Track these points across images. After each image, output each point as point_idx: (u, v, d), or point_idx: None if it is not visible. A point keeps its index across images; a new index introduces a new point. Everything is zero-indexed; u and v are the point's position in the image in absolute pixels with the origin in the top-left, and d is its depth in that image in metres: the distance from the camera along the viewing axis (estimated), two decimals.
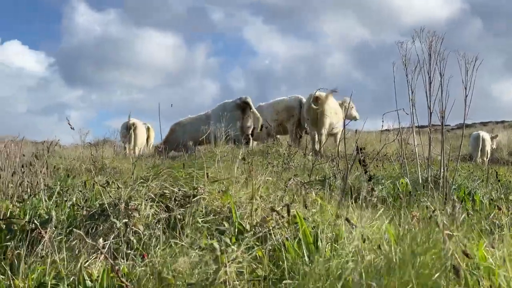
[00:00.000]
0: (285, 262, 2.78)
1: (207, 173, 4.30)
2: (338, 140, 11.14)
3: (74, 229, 3.35)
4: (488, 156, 14.04)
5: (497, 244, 2.74)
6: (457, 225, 2.48)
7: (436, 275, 2.07)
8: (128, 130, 13.72)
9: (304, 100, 12.32)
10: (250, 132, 11.06)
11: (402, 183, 5.60)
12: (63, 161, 9.73)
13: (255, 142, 11.80)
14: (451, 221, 2.58)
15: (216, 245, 2.33)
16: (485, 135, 14.72)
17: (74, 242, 3.34)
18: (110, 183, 4.21)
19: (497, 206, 3.92)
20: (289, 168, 6.83)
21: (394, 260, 2.19)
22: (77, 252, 3.18)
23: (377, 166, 7.53)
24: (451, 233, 2.26)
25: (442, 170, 5.38)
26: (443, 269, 2.07)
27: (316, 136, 11.73)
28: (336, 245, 2.94)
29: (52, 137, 8.83)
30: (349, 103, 12.32)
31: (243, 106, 11.13)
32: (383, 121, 7.71)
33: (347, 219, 2.82)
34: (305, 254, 2.85)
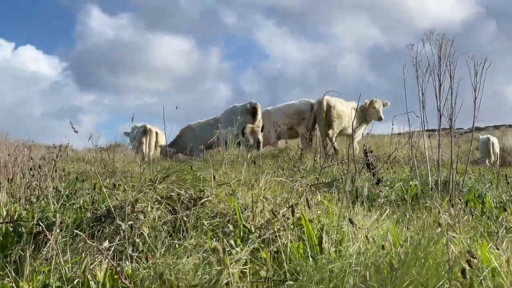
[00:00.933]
0: (288, 263, 2.77)
1: (214, 176, 4.30)
2: (352, 143, 11.06)
3: (76, 231, 3.36)
4: (498, 159, 14.08)
5: (504, 246, 2.72)
6: (460, 226, 2.45)
7: (439, 275, 2.06)
8: (143, 134, 13.85)
9: (315, 103, 12.35)
10: (260, 136, 11.06)
11: (411, 186, 5.58)
12: (75, 165, 9.81)
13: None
14: (455, 222, 2.55)
15: (218, 246, 2.33)
16: (493, 138, 14.93)
17: (80, 245, 3.35)
18: (117, 185, 4.22)
19: (503, 207, 3.88)
20: (299, 171, 6.82)
21: (395, 261, 2.17)
22: (82, 254, 3.19)
23: (387, 169, 7.50)
24: (453, 235, 2.24)
25: (451, 173, 5.34)
26: (446, 270, 2.05)
27: (327, 139, 11.75)
28: (340, 247, 2.93)
29: (65, 141, 8.88)
30: (369, 103, 12.28)
31: (252, 111, 11.16)
32: (393, 124, 7.71)
33: (350, 220, 2.80)
34: (309, 255, 2.84)
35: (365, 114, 12.25)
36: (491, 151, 14.68)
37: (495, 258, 2.41)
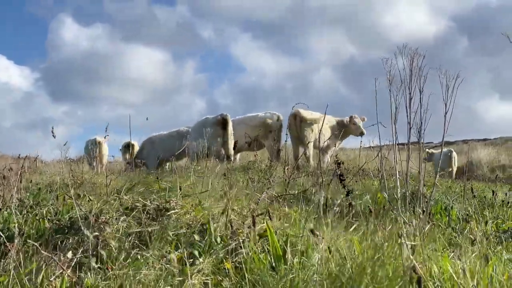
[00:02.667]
0: (250, 274, 2.75)
1: (180, 187, 4.27)
2: (319, 155, 11.08)
3: (31, 241, 3.29)
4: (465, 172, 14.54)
5: (467, 257, 2.75)
6: (421, 237, 2.47)
7: (397, 285, 2.06)
8: (96, 146, 13.90)
9: (281, 116, 12.29)
10: (232, 148, 10.97)
11: (379, 198, 5.61)
12: (43, 177, 9.64)
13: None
14: (417, 234, 2.57)
15: (174, 257, 2.30)
16: (454, 152, 15.81)
17: (41, 256, 3.29)
18: (82, 196, 4.16)
19: (465, 220, 3.93)
20: (269, 183, 6.81)
21: (351, 271, 2.17)
22: (42, 265, 3.12)
23: (356, 181, 7.53)
24: (412, 245, 2.24)
25: (419, 185, 5.39)
26: (402, 279, 2.05)
27: (300, 151, 11.74)
28: (304, 258, 2.92)
29: (35, 153, 8.76)
30: (349, 119, 12.32)
31: (223, 122, 11.04)
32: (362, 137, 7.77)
33: (311, 231, 2.79)
34: (272, 266, 2.83)
35: (342, 130, 12.26)
36: (452, 163, 15.42)
37: (454, 269, 2.42)
